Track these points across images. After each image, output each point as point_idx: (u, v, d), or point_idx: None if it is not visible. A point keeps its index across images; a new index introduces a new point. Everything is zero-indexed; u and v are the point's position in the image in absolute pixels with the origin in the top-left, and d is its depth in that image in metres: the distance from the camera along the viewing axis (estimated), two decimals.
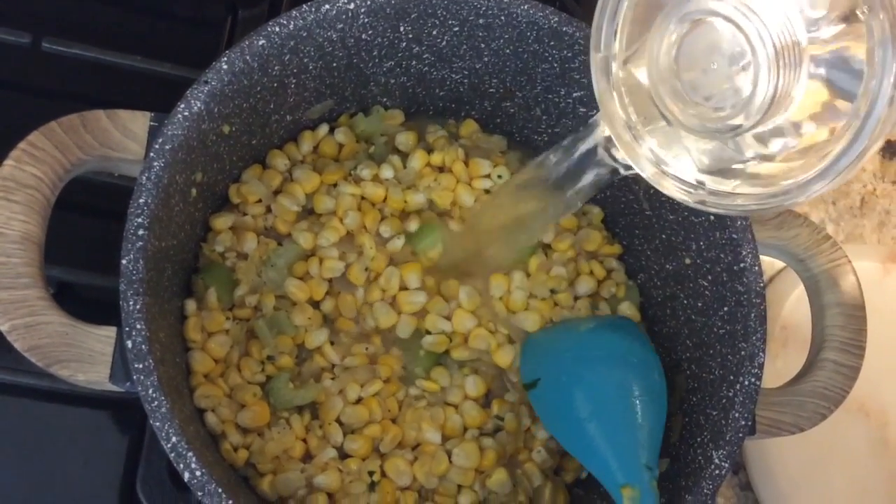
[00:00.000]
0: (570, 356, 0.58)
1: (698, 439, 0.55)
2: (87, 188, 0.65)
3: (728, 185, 0.45)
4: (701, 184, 0.45)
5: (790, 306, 0.73)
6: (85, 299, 0.64)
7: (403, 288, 0.60)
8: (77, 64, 0.69)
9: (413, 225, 0.61)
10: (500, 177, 0.64)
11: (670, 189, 0.46)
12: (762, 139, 0.43)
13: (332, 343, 0.59)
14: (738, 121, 0.42)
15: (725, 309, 0.57)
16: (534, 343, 0.60)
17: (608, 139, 0.48)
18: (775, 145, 0.43)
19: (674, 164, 0.46)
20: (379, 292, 0.59)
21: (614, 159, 0.49)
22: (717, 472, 0.53)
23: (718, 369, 0.57)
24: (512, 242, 0.60)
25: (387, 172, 0.62)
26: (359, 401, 0.58)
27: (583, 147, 0.50)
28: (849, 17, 0.39)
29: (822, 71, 0.40)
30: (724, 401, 0.55)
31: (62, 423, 0.64)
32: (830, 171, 0.40)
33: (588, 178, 0.51)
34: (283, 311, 0.58)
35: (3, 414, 0.63)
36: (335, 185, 0.62)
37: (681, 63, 0.44)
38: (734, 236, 0.57)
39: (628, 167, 0.48)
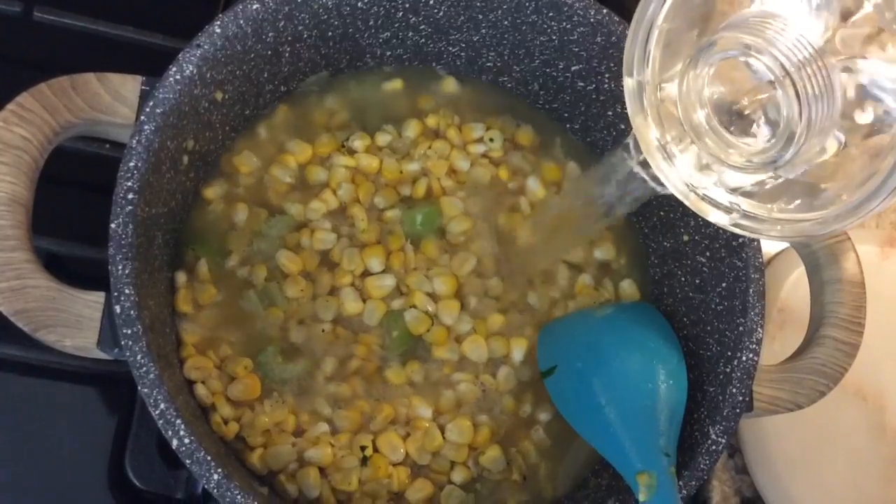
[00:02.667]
0: (586, 342, 0.57)
1: (695, 415, 0.54)
2: (76, 159, 0.64)
3: (765, 210, 0.44)
4: (736, 206, 0.44)
5: (788, 289, 0.72)
6: (73, 271, 0.63)
7: (370, 274, 0.59)
8: (68, 34, 0.68)
9: (407, 190, 0.60)
10: (492, 140, 0.63)
11: (706, 210, 0.45)
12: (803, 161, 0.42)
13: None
14: (774, 153, 0.41)
15: (724, 285, 0.57)
16: (550, 330, 0.59)
17: (643, 161, 0.47)
18: (815, 169, 0.42)
19: (708, 186, 0.45)
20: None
21: (652, 178, 0.48)
22: (713, 447, 0.52)
23: (716, 345, 0.56)
24: (552, 251, 0.61)
25: (384, 138, 0.61)
26: (342, 378, 0.57)
27: (620, 169, 0.49)
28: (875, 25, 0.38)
29: (855, 93, 0.39)
30: (721, 377, 0.54)
31: (50, 399, 0.63)
32: (885, 188, 0.39)
33: (628, 196, 0.51)
34: (274, 282, 0.57)
35: None
36: (329, 157, 0.61)
37: (713, 103, 0.43)
38: None
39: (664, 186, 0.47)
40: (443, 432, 0.56)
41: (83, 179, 0.66)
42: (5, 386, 0.62)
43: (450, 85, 0.65)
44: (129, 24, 0.68)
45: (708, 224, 0.57)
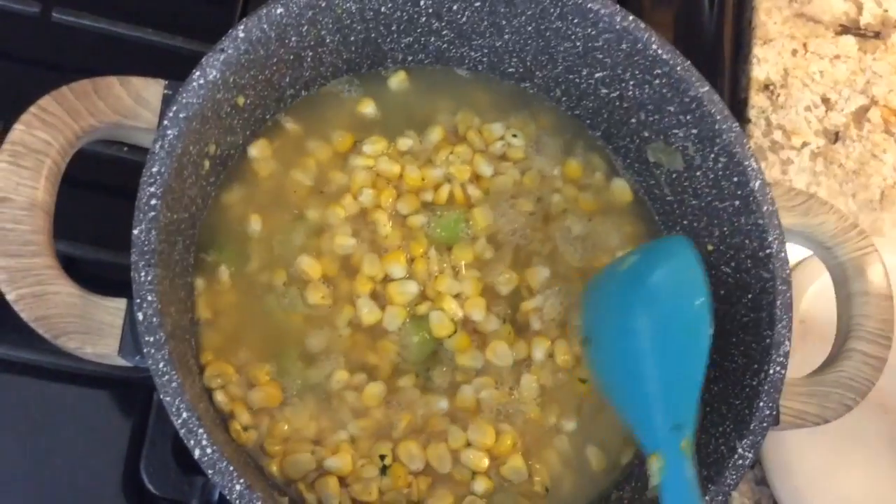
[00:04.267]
0: (610, 304, 0.54)
1: (720, 429, 0.54)
2: (93, 162, 0.63)
3: None
4: None
5: (809, 299, 0.71)
6: (93, 276, 0.62)
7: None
8: (87, 35, 0.67)
9: (429, 196, 0.60)
10: (514, 136, 0.62)
11: None
12: None
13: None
14: None
15: (749, 297, 0.56)
16: (588, 294, 0.57)
17: None
18: None
19: None
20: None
21: None
22: (740, 462, 0.51)
23: (741, 358, 0.55)
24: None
25: (405, 143, 0.60)
26: (362, 385, 0.56)
27: None
28: None
29: None
30: (747, 390, 0.53)
31: (63, 403, 0.62)
32: None
33: None
34: (294, 288, 0.56)
35: (4, 392, 0.61)
36: (347, 158, 0.60)
37: None
38: (760, 222, 0.55)
39: None
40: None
41: (101, 182, 0.66)
42: (19, 389, 0.61)
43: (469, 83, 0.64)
44: (149, 26, 0.67)
45: (733, 234, 0.57)
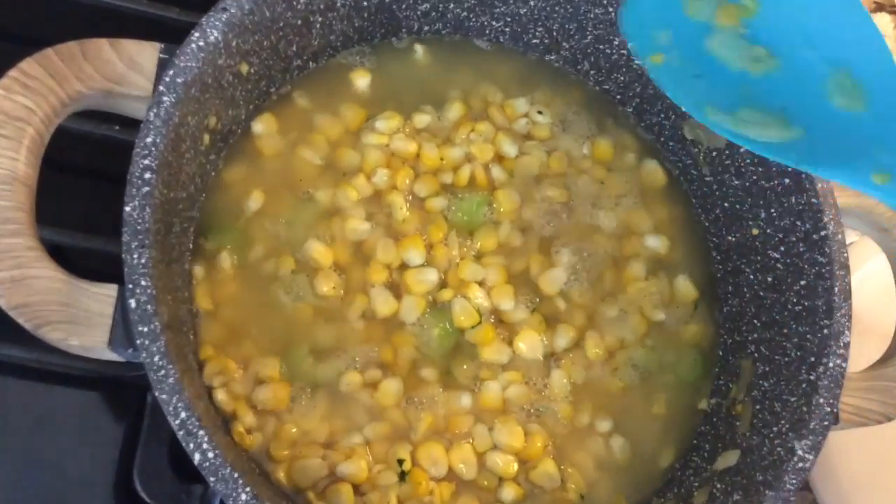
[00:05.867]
0: None
1: (774, 429, 0.49)
2: (85, 144, 0.59)
3: None
4: None
5: (855, 288, 0.67)
6: (79, 265, 0.57)
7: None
8: (75, 5, 0.62)
9: (448, 177, 0.55)
10: (540, 112, 0.57)
11: None
12: None
13: None
14: None
15: (802, 283, 0.51)
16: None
17: None
18: None
19: None
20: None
21: None
22: (800, 464, 0.46)
23: (795, 350, 0.50)
24: None
25: (422, 120, 0.55)
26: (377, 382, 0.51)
27: None
28: None
29: None
30: (804, 385, 0.49)
31: (51, 405, 0.57)
32: None
33: None
34: (303, 275, 0.51)
35: None
36: (359, 136, 0.55)
37: None
38: (813, 201, 0.51)
39: None
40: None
41: (90, 165, 0.61)
42: (3, 390, 0.56)
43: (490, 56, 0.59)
44: None
45: (782, 216, 0.52)
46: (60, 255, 0.56)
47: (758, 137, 0.41)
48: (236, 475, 0.39)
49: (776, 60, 0.42)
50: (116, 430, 0.57)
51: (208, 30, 0.45)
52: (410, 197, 0.54)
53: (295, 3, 0.50)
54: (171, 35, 0.50)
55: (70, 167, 0.60)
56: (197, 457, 0.39)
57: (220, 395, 0.48)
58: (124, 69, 0.45)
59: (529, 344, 0.52)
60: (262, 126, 0.54)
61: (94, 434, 0.57)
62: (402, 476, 0.49)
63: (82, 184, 0.60)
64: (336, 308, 0.52)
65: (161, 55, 0.46)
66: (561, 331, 0.53)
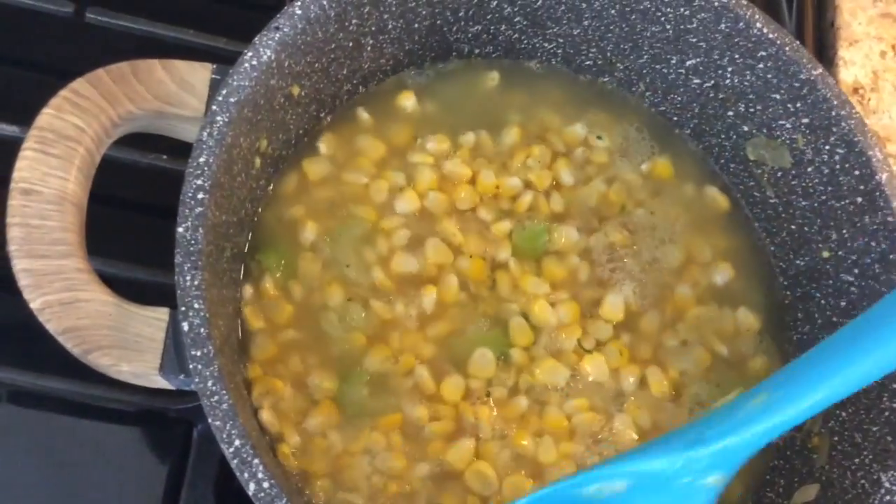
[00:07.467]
0: None
1: (856, 461, 0.46)
2: (132, 174, 0.58)
3: None
4: None
5: None
6: (125, 294, 0.56)
7: None
8: (122, 37, 0.62)
9: (505, 204, 0.53)
10: (599, 138, 0.55)
11: None
12: None
13: None
14: None
15: None
16: None
17: None
18: None
19: None
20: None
21: None
22: (887, 498, 0.43)
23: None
24: None
25: (467, 140, 0.54)
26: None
27: None
28: None
29: None
30: (886, 413, 0.46)
31: (94, 441, 0.56)
32: None
33: None
34: (355, 302, 0.49)
35: (29, 429, 0.55)
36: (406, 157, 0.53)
37: None
38: (889, 220, 0.48)
39: None
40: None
41: (138, 196, 0.60)
42: (44, 425, 0.55)
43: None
44: (190, 27, 0.62)
45: (854, 236, 0.50)
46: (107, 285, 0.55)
47: None
48: None
49: None
50: (161, 468, 0.55)
51: (261, 49, 0.44)
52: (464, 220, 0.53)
53: (347, 24, 0.49)
54: (219, 62, 0.49)
55: (116, 197, 0.59)
56: (252, 487, 0.37)
57: (267, 416, 0.46)
58: (176, 89, 0.44)
59: (597, 368, 0.50)
60: (311, 151, 0.52)
61: (138, 471, 0.55)
62: None
63: (128, 214, 0.59)
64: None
65: (213, 76, 0.45)
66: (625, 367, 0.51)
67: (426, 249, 0.51)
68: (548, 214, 0.54)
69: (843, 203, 0.51)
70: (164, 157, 0.57)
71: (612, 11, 0.54)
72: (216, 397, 0.38)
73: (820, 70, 0.50)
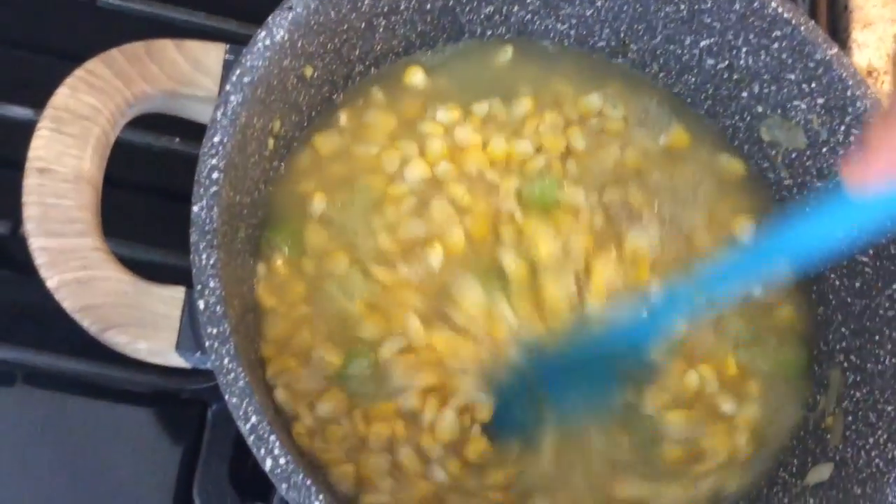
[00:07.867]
0: None
1: (871, 440, 0.46)
2: (144, 156, 0.58)
3: None
4: None
5: None
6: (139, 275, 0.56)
7: None
8: (135, 20, 0.61)
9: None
10: (615, 107, 0.55)
11: None
12: None
13: None
14: None
15: (894, 287, 0.48)
16: None
17: None
18: None
19: None
20: None
21: None
22: None
23: (889, 357, 0.48)
24: None
25: (481, 108, 0.53)
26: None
27: None
28: None
29: None
30: None
31: (109, 421, 0.56)
32: None
33: None
34: (358, 271, 0.49)
35: (44, 409, 0.55)
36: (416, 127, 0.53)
37: None
38: None
39: None
40: None
41: (151, 179, 0.60)
42: (58, 405, 0.55)
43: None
44: (201, 10, 0.62)
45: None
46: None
47: None
48: (309, 482, 0.37)
49: None
50: (175, 448, 0.55)
51: (274, 29, 0.44)
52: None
53: (359, 4, 0.49)
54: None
55: (130, 180, 0.59)
56: (269, 463, 0.37)
57: (282, 396, 0.46)
58: (189, 69, 0.44)
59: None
60: (322, 131, 0.52)
61: (152, 451, 0.55)
62: None
63: (142, 197, 0.59)
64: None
65: (227, 56, 0.45)
66: None
67: (431, 211, 0.51)
68: (560, 173, 0.53)
69: None
70: (177, 139, 0.57)
71: None
72: (232, 374, 0.38)
73: (835, 50, 0.50)
